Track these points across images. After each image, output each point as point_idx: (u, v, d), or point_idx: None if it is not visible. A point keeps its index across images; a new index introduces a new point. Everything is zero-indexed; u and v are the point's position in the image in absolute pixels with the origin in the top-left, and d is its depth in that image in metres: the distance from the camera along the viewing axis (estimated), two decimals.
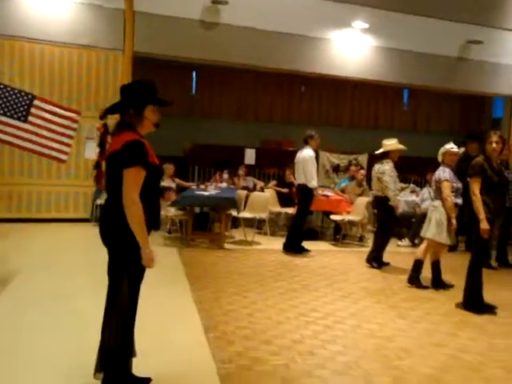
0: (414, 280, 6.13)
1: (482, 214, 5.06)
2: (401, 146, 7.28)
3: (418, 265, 6.14)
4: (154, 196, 2.98)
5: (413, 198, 9.72)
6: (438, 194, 5.96)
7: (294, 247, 7.72)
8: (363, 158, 12.74)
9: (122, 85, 3.09)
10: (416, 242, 8.95)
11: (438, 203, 5.95)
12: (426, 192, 9.26)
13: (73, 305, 4.74)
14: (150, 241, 2.86)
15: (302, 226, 7.93)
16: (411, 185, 10.88)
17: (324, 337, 4.34)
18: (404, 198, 9.68)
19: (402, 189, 10.29)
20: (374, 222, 10.67)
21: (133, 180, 2.79)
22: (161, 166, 3.10)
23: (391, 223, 7.22)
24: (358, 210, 8.95)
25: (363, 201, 9.03)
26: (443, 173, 5.92)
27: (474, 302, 5.25)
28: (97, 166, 3.23)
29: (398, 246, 8.94)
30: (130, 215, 2.77)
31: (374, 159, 12.72)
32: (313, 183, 7.63)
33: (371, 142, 14.00)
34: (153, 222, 2.99)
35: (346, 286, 6.11)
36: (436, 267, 6.18)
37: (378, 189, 7.14)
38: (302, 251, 7.71)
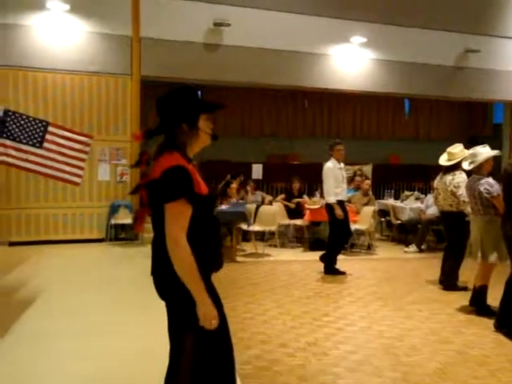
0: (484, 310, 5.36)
1: None
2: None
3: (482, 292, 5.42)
4: (208, 230, 2.36)
5: (417, 204, 9.96)
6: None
7: (327, 269, 7.29)
8: (368, 168, 13.00)
9: (161, 97, 2.41)
10: (423, 247, 9.20)
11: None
12: (431, 198, 9.50)
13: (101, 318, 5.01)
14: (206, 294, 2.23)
15: (338, 248, 7.47)
16: (415, 192, 11.12)
17: (336, 338, 4.59)
18: (409, 206, 9.93)
19: (407, 196, 10.55)
20: (380, 230, 10.95)
21: (175, 217, 2.20)
22: (212, 196, 2.50)
23: (465, 243, 6.27)
24: (364, 219, 9.19)
25: (369, 210, 9.29)
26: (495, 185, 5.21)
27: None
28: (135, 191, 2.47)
29: (405, 252, 9.16)
30: (175, 261, 2.19)
31: (377, 169, 13.06)
32: (329, 199, 7.12)
33: (375, 152, 14.37)
34: (212, 261, 2.37)
35: (355, 291, 6.35)
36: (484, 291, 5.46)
37: (451, 203, 6.40)
38: (334, 273, 7.22)
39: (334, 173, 7.18)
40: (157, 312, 2.60)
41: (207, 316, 2.20)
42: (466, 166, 5.59)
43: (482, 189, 5.21)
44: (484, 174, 5.36)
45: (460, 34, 11.59)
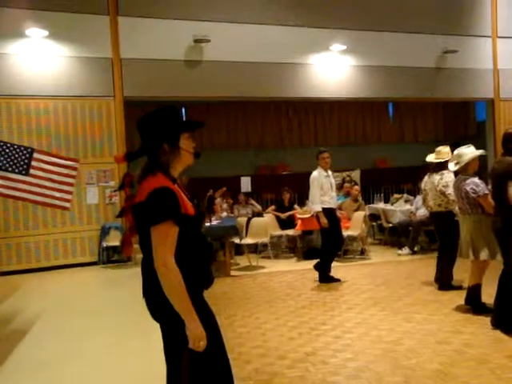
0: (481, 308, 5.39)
1: None
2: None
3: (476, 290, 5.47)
4: (196, 249, 2.37)
5: (407, 206, 10.01)
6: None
7: (322, 277, 7.32)
8: (356, 174, 13.07)
9: (141, 118, 2.41)
10: (415, 249, 9.23)
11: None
12: (420, 200, 9.54)
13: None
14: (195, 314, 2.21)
15: (332, 255, 7.47)
16: (405, 194, 11.18)
17: (335, 347, 4.58)
18: (399, 208, 9.97)
19: (397, 199, 10.59)
20: (373, 234, 10.99)
21: (162, 240, 2.20)
22: (199, 216, 2.49)
23: (456, 242, 5.86)
24: (356, 225, 9.22)
25: (360, 215, 9.32)
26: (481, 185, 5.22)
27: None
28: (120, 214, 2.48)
29: (399, 254, 9.17)
30: (164, 283, 2.18)
31: (366, 174, 13.13)
32: (314, 207, 7.29)
33: (362, 158, 14.46)
34: (201, 278, 2.39)
35: (351, 298, 6.34)
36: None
37: (440, 203, 6.50)
38: (329, 281, 7.26)
39: (320, 181, 7.24)
40: (154, 335, 2.57)
41: (196, 337, 2.19)
42: (451, 166, 5.64)
43: (468, 189, 5.25)
44: (470, 173, 5.40)
45: (437, 35, 11.72)
